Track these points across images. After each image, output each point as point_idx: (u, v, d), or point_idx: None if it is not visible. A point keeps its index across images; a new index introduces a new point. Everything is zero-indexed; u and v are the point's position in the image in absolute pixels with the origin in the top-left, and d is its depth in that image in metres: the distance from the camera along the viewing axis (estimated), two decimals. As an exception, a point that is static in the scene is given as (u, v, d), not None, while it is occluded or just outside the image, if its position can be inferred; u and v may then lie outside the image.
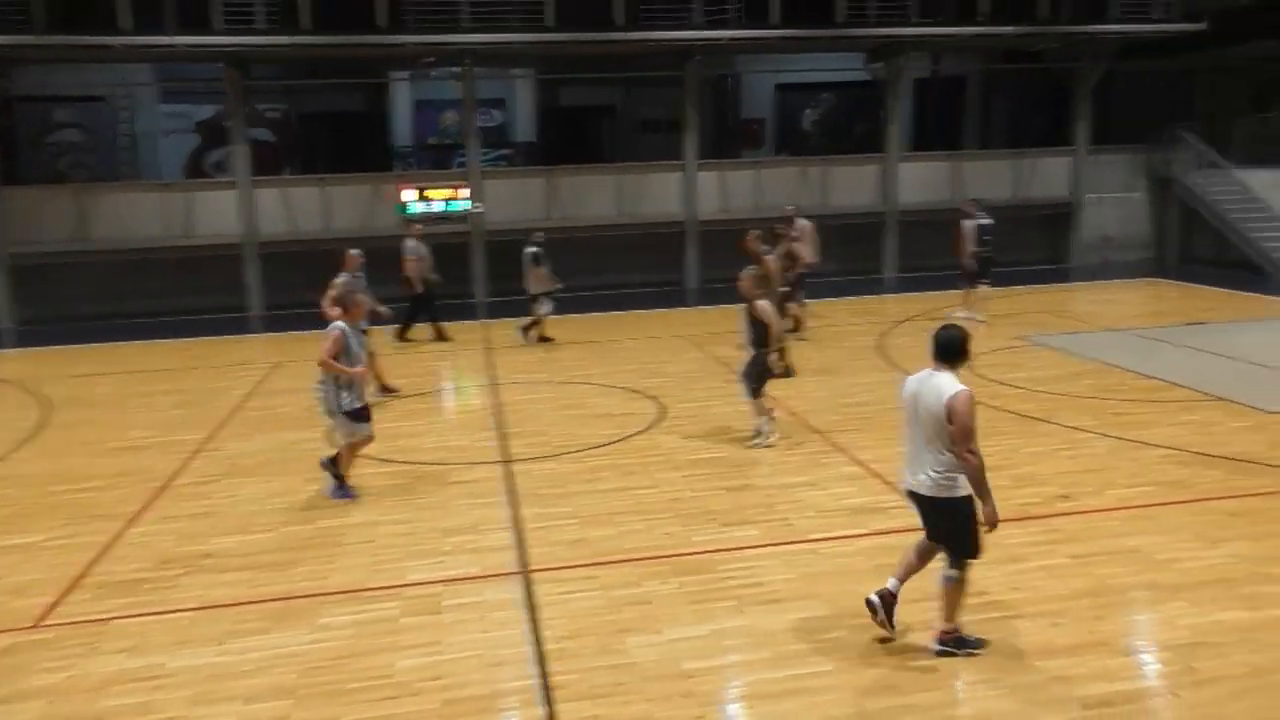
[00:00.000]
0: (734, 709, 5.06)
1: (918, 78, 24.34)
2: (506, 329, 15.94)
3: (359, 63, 20.22)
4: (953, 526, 5.24)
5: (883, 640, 5.44)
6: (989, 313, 15.19)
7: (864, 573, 6.36)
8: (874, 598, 5.47)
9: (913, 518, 7.18)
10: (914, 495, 5.38)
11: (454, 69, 19.62)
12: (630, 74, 22.56)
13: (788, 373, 9.49)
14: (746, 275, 9.27)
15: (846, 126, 25.53)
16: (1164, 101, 24.07)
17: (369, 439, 8.22)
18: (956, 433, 5.01)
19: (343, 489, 8.11)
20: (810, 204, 20.95)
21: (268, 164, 20.35)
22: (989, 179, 21.91)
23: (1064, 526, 7.02)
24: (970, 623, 5.60)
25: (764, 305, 9.05)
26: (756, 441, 9.27)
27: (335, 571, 6.76)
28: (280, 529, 7.52)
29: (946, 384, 5.11)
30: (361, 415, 8.04)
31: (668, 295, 19.72)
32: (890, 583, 5.48)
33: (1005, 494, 7.64)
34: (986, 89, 25.66)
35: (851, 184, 21.39)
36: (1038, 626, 5.57)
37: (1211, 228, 21.25)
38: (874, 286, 20.08)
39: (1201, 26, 20.45)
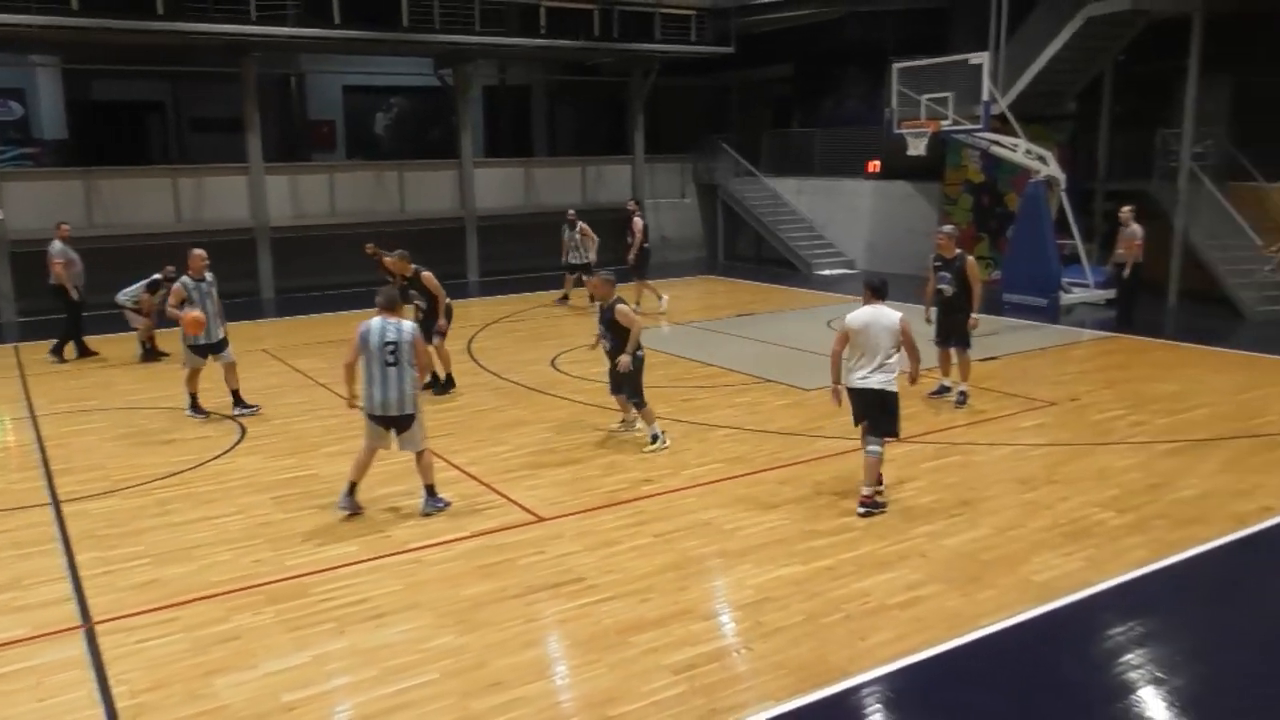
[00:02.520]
0: (341, 735, 4.86)
1: (486, 85, 24.98)
2: (40, 351, 13.96)
3: None
4: (885, 413, 7.37)
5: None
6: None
7: (466, 575, 6.41)
8: (861, 510, 7.27)
9: (509, 516, 7.44)
10: (863, 392, 7.36)
11: (-45, 52, 16.77)
12: (177, 69, 20.74)
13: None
14: (599, 278, 9.16)
15: (420, 131, 25.54)
16: (705, 115, 26.93)
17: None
18: (907, 340, 7.32)
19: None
20: (388, 209, 20.76)
21: None
22: (560, 185, 23.07)
23: (648, 508, 7.58)
24: (571, 609, 5.89)
25: (624, 309, 8.95)
26: (655, 447, 8.98)
27: None
28: None
29: (892, 311, 7.32)
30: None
31: (242, 307, 18.42)
32: (864, 490, 7.36)
33: (595, 483, 8.15)
34: (552, 99, 26.98)
35: (428, 189, 21.40)
36: (629, 604, 5.95)
37: (751, 229, 24.11)
38: (461, 290, 20.25)
39: (730, 50, 23.10)
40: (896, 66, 17.46)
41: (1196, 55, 15.68)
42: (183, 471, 8.68)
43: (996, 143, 16.81)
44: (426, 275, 10.98)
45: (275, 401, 11.10)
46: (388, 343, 7.29)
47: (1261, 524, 7.10)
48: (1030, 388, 11.16)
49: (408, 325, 7.44)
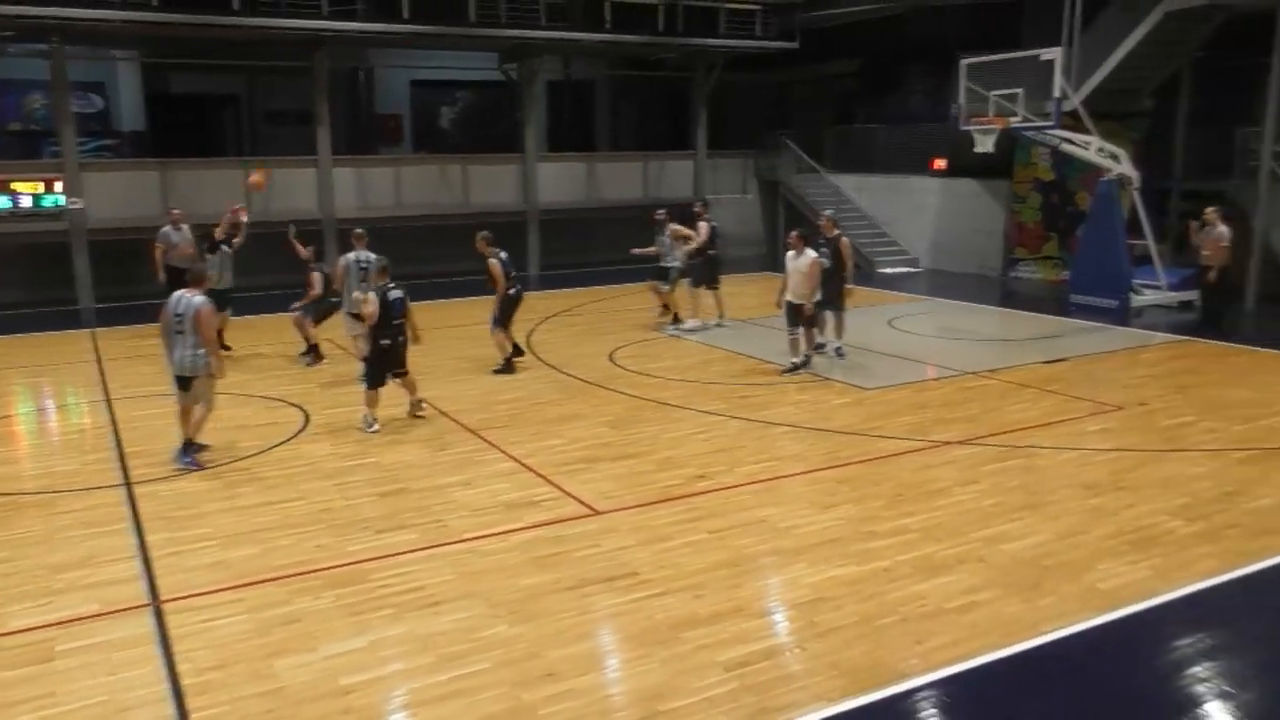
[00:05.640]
0: (394, 719, 4.93)
1: (550, 80, 25.10)
2: (118, 338, 14.41)
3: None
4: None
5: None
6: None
7: (521, 566, 6.46)
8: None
9: (564, 508, 7.49)
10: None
11: (39, 46, 17.31)
12: (251, 63, 21.18)
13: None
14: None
15: (485, 126, 25.76)
16: (768, 111, 26.74)
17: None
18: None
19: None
20: (451, 202, 21.00)
21: None
22: (622, 180, 23.10)
23: (703, 504, 7.57)
24: (624, 603, 5.91)
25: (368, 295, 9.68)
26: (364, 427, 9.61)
27: (-90, 629, 5.75)
28: None
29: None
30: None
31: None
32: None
33: (650, 478, 8.15)
34: (615, 94, 27.02)
35: (492, 183, 21.60)
36: (682, 600, 5.95)
37: (813, 227, 23.84)
38: (521, 283, 20.37)
39: (794, 45, 22.91)
40: (965, 62, 17.15)
41: (1279, 50, 15.15)
42: (248, 457, 8.88)
43: (1068, 140, 16.43)
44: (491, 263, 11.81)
45: (340, 391, 11.30)
46: (177, 315, 8.41)
47: (1340, 537, 6.85)
48: (1097, 391, 10.90)
49: (197, 300, 8.42)
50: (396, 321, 9.63)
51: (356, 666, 5.24)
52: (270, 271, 19.33)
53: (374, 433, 9.51)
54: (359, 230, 12.10)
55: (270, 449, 9.13)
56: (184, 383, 8.58)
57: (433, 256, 20.82)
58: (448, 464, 8.64)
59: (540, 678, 5.11)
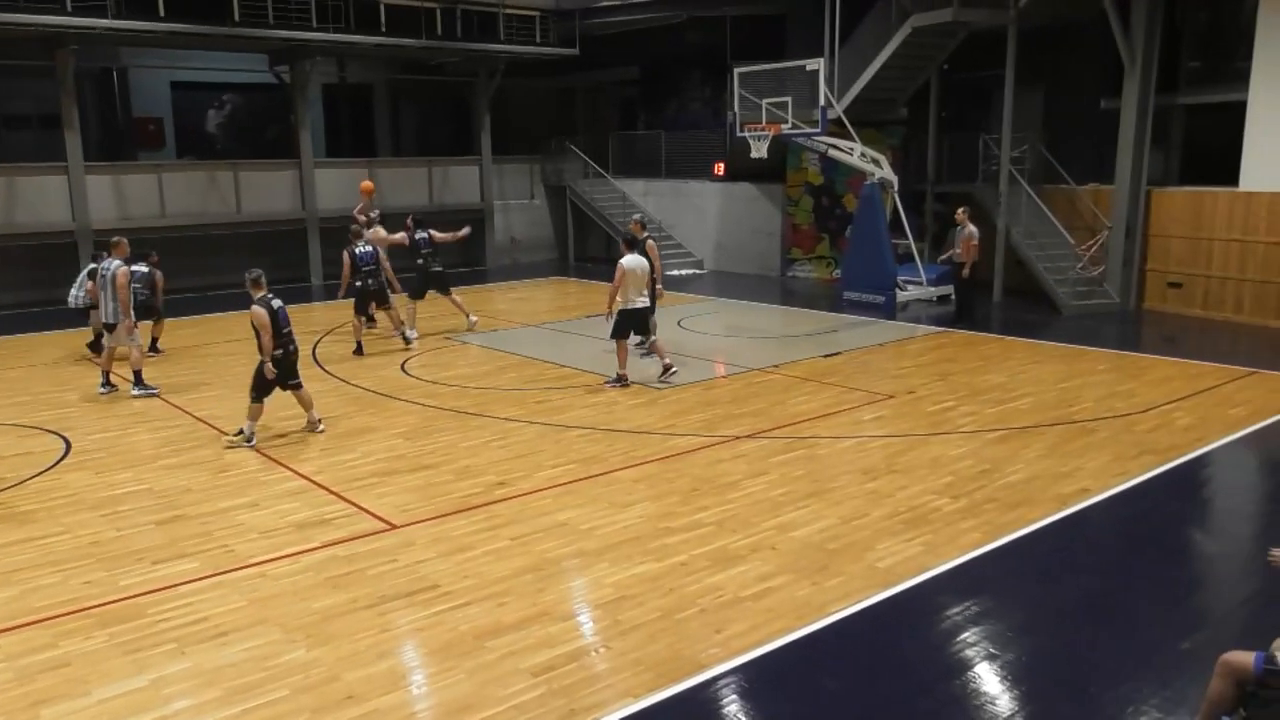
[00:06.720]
0: (185, 762, 4.64)
1: (326, 84, 24.24)
2: None
3: None
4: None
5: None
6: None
7: (315, 587, 6.21)
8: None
9: (359, 525, 7.26)
10: (636, 311, 11.41)
11: None
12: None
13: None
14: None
15: (256, 130, 24.54)
16: (553, 117, 26.93)
17: None
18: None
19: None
20: (222, 211, 19.89)
21: None
22: (406, 186, 22.61)
23: (503, 511, 7.53)
24: (426, 617, 5.79)
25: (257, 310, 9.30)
26: (235, 440, 9.32)
27: None
28: None
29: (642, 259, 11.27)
30: None
31: (55, 316, 17.22)
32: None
33: (448, 488, 8.04)
34: (395, 98, 26.41)
35: (266, 190, 20.60)
36: (486, 609, 5.90)
37: (600, 230, 24.23)
38: (304, 294, 19.55)
39: (575, 51, 23.17)
40: (738, 71, 17.90)
41: (1012, 65, 16.70)
42: (0, 491, 8.09)
43: (834, 146, 17.46)
44: None
45: (105, 414, 10.47)
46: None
47: (1081, 504, 7.64)
48: (871, 381, 11.65)
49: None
50: (286, 330, 9.45)
51: (136, 708, 4.88)
52: (13, 288, 17.71)
53: (251, 448, 9.17)
54: (116, 238, 11.51)
55: (25, 481, 8.34)
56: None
57: (203, 268, 19.73)
58: (230, 486, 8.17)
59: (341, 701, 4.93)
